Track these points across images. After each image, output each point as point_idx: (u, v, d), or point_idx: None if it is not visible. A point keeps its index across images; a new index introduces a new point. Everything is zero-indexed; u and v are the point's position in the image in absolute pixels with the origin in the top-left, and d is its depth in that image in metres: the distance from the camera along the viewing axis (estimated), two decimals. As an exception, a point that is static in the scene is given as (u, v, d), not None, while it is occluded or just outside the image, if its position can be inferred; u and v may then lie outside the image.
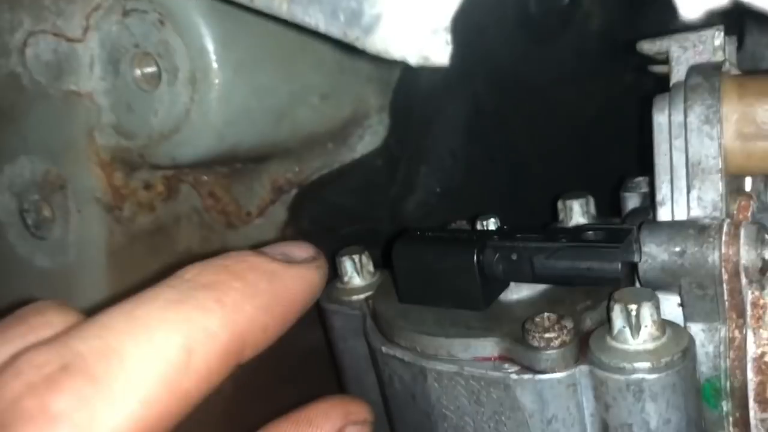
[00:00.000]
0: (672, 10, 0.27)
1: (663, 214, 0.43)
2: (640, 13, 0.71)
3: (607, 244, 0.41)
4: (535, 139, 0.73)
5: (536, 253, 0.42)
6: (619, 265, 0.40)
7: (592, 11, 0.72)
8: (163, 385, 0.23)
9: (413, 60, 0.31)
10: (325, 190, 0.63)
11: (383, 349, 0.45)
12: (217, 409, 0.56)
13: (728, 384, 0.41)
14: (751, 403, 0.41)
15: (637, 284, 0.42)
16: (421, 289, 0.46)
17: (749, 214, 0.43)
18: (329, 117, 0.58)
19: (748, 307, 0.40)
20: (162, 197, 0.57)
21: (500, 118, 0.70)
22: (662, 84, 0.46)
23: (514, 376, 0.40)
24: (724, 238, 0.39)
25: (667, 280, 0.40)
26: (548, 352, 0.39)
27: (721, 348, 0.41)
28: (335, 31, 0.32)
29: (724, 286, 0.39)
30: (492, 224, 0.52)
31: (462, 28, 0.31)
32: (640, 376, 0.37)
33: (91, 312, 0.26)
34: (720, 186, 0.41)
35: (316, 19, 0.32)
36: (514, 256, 0.43)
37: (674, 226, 0.41)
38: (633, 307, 0.38)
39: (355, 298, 0.52)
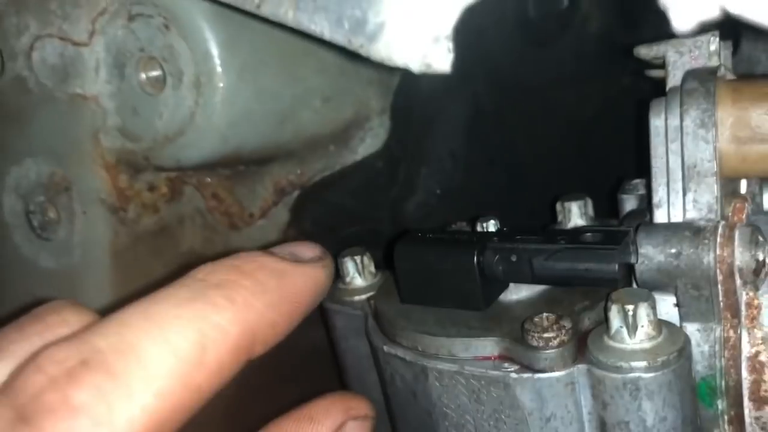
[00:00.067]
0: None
1: (659, 216, 0.44)
2: (637, 17, 0.71)
3: (605, 246, 0.42)
4: (533, 141, 0.74)
5: (535, 255, 0.43)
6: (617, 267, 0.41)
7: (591, 14, 0.73)
8: (177, 379, 0.24)
9: (416, 67, 0.31)
10: (327, 192, 0.63)
11: (385, 348, 0.46)
12: (219, 408, 0.57)
13: (723, 383, 0.41)
14: (746, 402, 0.41)
15: (634, 285, 0.42)
16: (422, 289, 0.47)
17: (744, 216, 0.43)
18: (331, 119, 0.59)
19: (743, 308, 0.41)
20: (166, 199, 0.57)
21: (499, 120, 0.71)
22: (659, 88, 0.46)
23: (513, 375, 0.40)
24: (719, 239, 0.40)
25: (663, 281, 0.41)
26: (547, 351, 0.39)
27: (716, 347, 0.41)
28: (340, 38, 0.32)
29: (719, 286, 0.40)
30: (492, 226, 0.53)
31: (462, 30, 0.31)
32: (636, 374, 0.37)
33: (100, 312, 0.27)
34: (715, 189, 0.42)
35: (321, 26, 0.33)
36: (513, 258, 0.44)
37: (670, 228, 0.42)
38: (630, 307, 0.38)
39: (357, 298, 0.53)
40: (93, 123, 0.54)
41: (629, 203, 0.53)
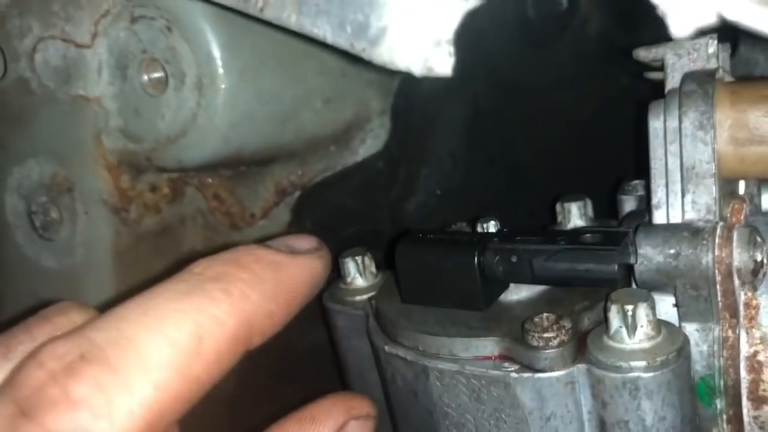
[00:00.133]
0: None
1: (658, 217, 0.44)
2: (636, 19, 0.72)
3: (605, 246, 0.42)
4: (533, 141, 0.74)
5: (535, 255, 0.43)
6: (616, 267, 0.41)
7: (590, 16, 0.73)
8: (175, 371, 0.25)
9: (417, 71, 0.32)
10: (328, 192, 0.63)
11: (386, 348, 0.46)
12: (221, 408, 0.57)
13: (722, 382, 0.42)
14: (744, 401, 0.42)
15: (634, 285, 0.43)
16: (422, 289, 0.47)
17: (742, 217, 0.43)
18: (332, 120, 0.59)
19: (741, 308, 0.41)
20: (167, 199, 0.58)
21: (499, 121, 0.71)
22: (657, 90, 0.47)
23: (513, 375, 0.41)
24: (717, 240, 0.40)
25: (662, 282, 0.41)
26: (547, 351, 0.39)
27: (715, 347, 0.41)
28: (342, 42, 0.33)
29: (718, 287, 0.40)
30: (492, 226, 0.53)
31: (463, 34, 0.32)
32: (636, 374, 0.38)
33: (103, 310, 0.27)
34: (714, 190, 0.42)
35: (323, 30, 0.33)
36: (513, 258, 0.44)
37: (669, 228, 0.42)
38: (629, 307, 0.39)
39: (358, 298, 0.53)
40: (95, 124, 0.54)
41: (628, 204, 0.54)
